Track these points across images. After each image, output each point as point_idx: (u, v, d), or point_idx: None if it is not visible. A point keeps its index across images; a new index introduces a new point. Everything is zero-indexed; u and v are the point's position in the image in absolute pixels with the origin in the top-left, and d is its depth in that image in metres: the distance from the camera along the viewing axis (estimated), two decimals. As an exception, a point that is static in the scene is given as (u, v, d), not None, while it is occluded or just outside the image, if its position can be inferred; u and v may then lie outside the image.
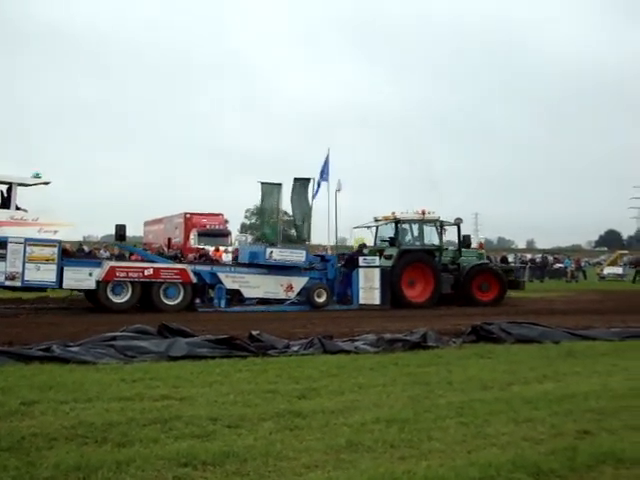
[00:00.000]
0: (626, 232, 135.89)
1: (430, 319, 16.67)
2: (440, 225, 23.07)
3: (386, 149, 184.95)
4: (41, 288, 18.66)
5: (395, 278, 21.23)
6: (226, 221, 41.23)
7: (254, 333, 10.67)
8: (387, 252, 22.26)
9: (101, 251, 36.26)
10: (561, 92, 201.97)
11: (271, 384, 7.75)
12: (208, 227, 37.62)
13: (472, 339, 11.80)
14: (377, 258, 21.48)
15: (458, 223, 23.57)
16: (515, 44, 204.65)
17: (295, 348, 10.33)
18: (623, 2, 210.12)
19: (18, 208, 17.84)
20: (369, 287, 20.70)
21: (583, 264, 53.60)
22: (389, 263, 21.54)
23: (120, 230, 19.37)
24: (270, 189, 22.94)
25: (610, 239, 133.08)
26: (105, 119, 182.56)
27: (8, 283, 17.35)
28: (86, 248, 37.56)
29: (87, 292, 19.34)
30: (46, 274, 17.47)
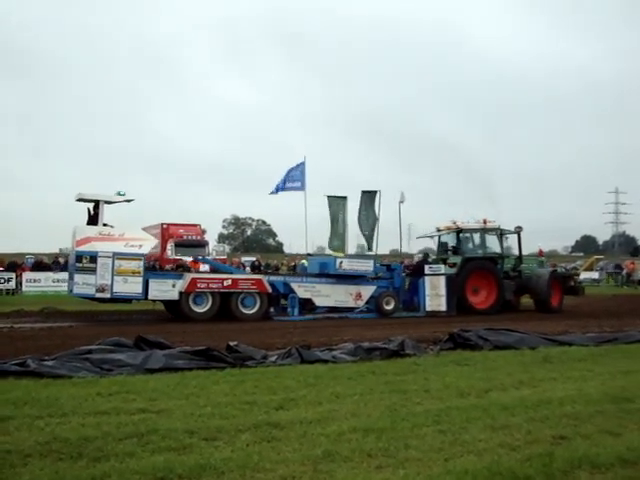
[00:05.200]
0: (601, 237, 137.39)
1: (408, 327, 16.75)
2: (500, 233, 23.89)
3: (327, 151, 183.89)
4: (128, 299, 19.67)
5: (459, 285, 21.94)
6: (203, 231, 41.09)
7: (232, 344, 10.64)
8: (451, 260, 22.90)
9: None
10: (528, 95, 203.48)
11: (248, 395, 7.72)
12: (185, 238, 37.43)
13: (449, 346, 11.85)
14: (443, 266, 22.19)
15: (518, 231, 24.16)
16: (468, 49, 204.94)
17: (273, 358, 10.31)
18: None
19: (105, 224, 18.92)
20: (435, 294, 21.51)
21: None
22: (454, 271, 22.17)
23: None
24: (337, 202, 23.38)
25: (586, 244, 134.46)
26: (26, 125, 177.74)
27: (98, 295, 18.42)
28: (62, 260, 37.35)
29: (167, 303, 20.32)
30: (133, 286, 18.49)
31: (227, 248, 48.93)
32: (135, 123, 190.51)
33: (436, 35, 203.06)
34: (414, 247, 52.62)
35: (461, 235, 23.71)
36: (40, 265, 34.66)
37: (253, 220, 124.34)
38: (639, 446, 5.58)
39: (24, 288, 32.00)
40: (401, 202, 23.84)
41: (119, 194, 19.34)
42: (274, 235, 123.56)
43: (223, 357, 9.86)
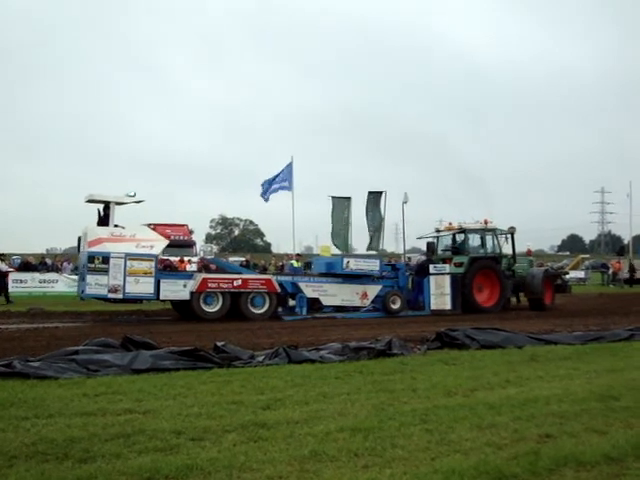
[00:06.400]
0: (588, 237, 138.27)
1: (395, 326, 16.78)
2: (497, 234, 24.37)
3: (309, 150, 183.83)
4: (140, 300, 20.10)
5: (467, 284, 22.36)
6: (191, 231, 41.01)
7: (219, 344, 10.61)
8: (457, 260, 23.15)
9: (64, 264, 35.83)
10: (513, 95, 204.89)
11: (236, 395, 7.70)
12: (173, 238, 37.30)
13: (437, 345, 11.88)
14: (447, 265, 22.53)
15: (512, 232, 24.69)
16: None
17: (260, 358, 10.29)
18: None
19: (116, 225, 19.15)
20: (440, 293, 21.89)
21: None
22: (459, 270, 22.53)
23: None
24: (340, 202, 23.51)
25: (572, 243, 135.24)
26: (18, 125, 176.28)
27: (111, 295, 18.62)
28: (49, 261, 37.16)
29: (175, 303, 20.59)
30: (145, 286, 18.68)
31: (215, 248, 48.73)
32: (118, 123, 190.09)
33: (434, 35, 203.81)
34: (401, 247, 52.72)
35: (465, 235, 24.00)
36: (26, 265, 34.44)
37: (241, 220, 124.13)
38: (624, 444, 5.60)
39: (10, 289, 31.77)
40: (404, 202, 24.10)
41: (129, 195, 19.49)
42: (262, 235, 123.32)
43: (210, 357, 9.84)
